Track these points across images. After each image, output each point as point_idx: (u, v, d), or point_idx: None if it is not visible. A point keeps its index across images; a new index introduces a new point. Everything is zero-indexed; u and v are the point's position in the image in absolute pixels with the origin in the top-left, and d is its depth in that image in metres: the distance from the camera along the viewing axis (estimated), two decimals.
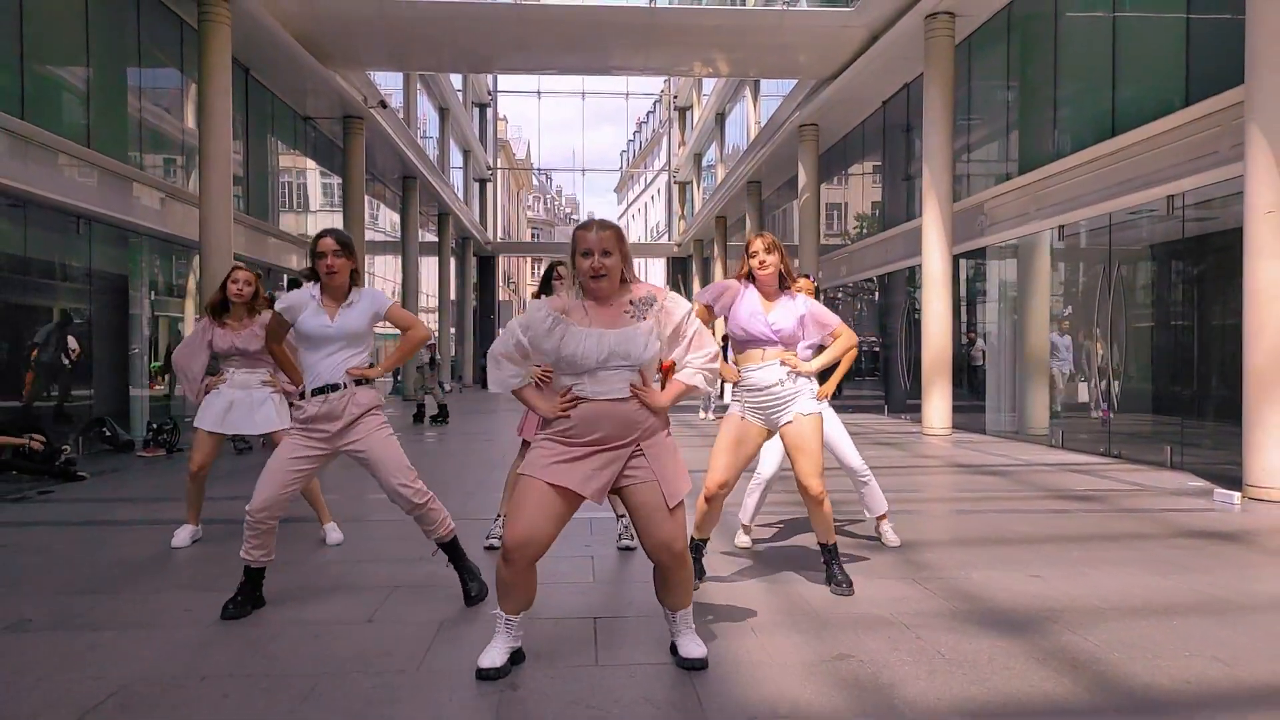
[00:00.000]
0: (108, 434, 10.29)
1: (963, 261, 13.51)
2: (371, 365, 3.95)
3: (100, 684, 2.95)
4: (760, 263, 4.02)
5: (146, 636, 3.46)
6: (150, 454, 9.89)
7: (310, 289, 3.87)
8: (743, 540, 5.06)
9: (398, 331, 4.12)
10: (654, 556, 3.03)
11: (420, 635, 3.46)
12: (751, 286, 4.09)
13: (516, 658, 3.09)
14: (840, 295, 19.83)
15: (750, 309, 4.03)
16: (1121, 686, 2.93)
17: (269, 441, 5.19)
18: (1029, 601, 3.92)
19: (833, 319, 4.16)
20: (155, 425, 10.28)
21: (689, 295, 25.25)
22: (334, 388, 3.78)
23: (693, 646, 3.11)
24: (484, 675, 2.96)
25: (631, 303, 3.04)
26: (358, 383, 3.83)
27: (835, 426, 5.06)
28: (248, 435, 5.96)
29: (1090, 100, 10.57)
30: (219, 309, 5.15)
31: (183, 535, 5.15)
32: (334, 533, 5.22)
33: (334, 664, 3.16)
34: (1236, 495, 6.67)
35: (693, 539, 4.15)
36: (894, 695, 2.85)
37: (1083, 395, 11.03)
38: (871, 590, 4.13)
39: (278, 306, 3.88)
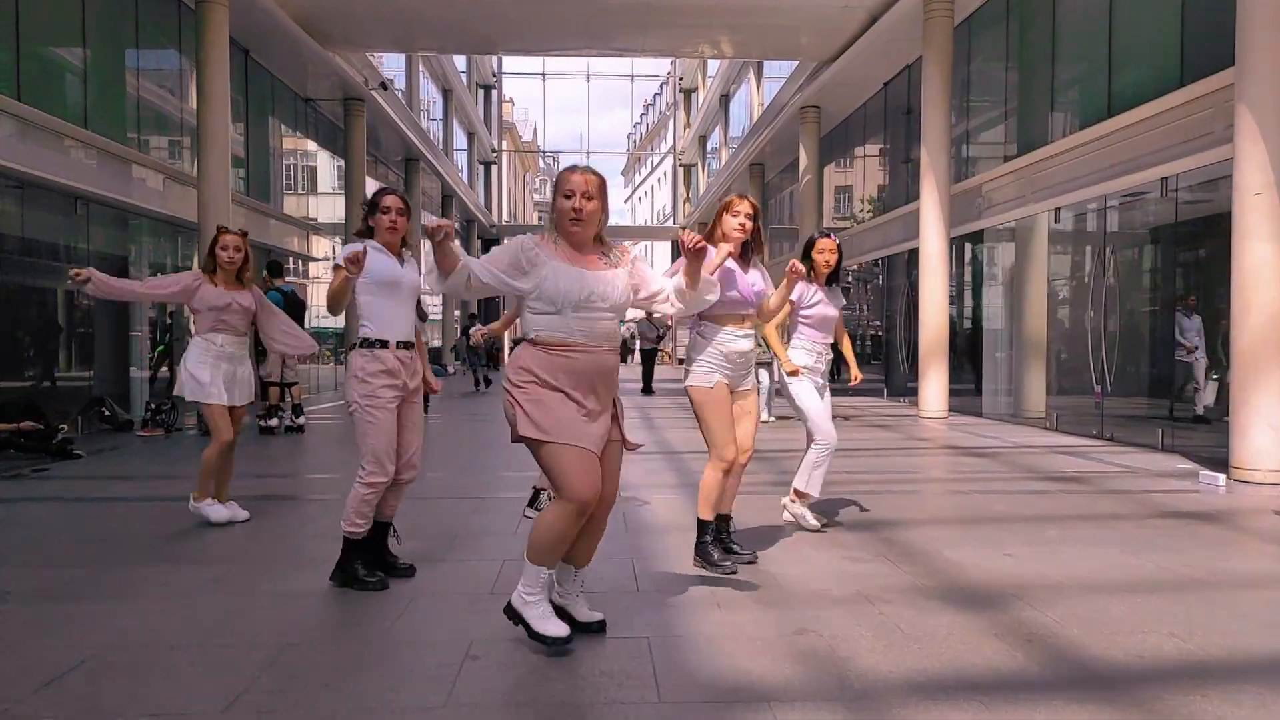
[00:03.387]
0: (107, 413, 10.38)
1: (960, 244, 13.48)
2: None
3: (71, 652, 3.01)
4: (741, 225, 4.04)
5: (122, 608, 3.53)
6: (149, 434, 9.96)
7: (368, 243, 3.80)
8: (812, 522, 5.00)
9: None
10: (598, 510, 3.07)
11: (387, 604, 3.52)
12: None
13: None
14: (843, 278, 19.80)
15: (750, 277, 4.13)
16: (1073, 660, 2.96)
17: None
18: (995, 578, 3.96)
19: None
20: (154, 405, 10.35)
21: None
22: (409, 345, 3.88)
23: (588, 610, 3.21)
24: (557, 642, 2.97)
25: (604, 254, 3.11)
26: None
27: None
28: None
29: (1087, 81, 10.51)
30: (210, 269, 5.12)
31: (223, 513, 5.05)
32: (226, 510, 5.12)
33: (302, 631, 3.22)
34: (1222, 477, 6.68)
35: (706, 522, 4.10)
36: (846, 668, 2.89)
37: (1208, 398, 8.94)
38: (844, 567, 4.18)
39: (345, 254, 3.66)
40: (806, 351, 4.96)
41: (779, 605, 3.57)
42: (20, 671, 2.85)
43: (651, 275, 3.28)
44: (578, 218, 3.00)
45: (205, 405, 5.03)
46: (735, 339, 4.04)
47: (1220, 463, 7.16)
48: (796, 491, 4.98)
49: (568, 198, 3.01)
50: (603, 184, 3.08)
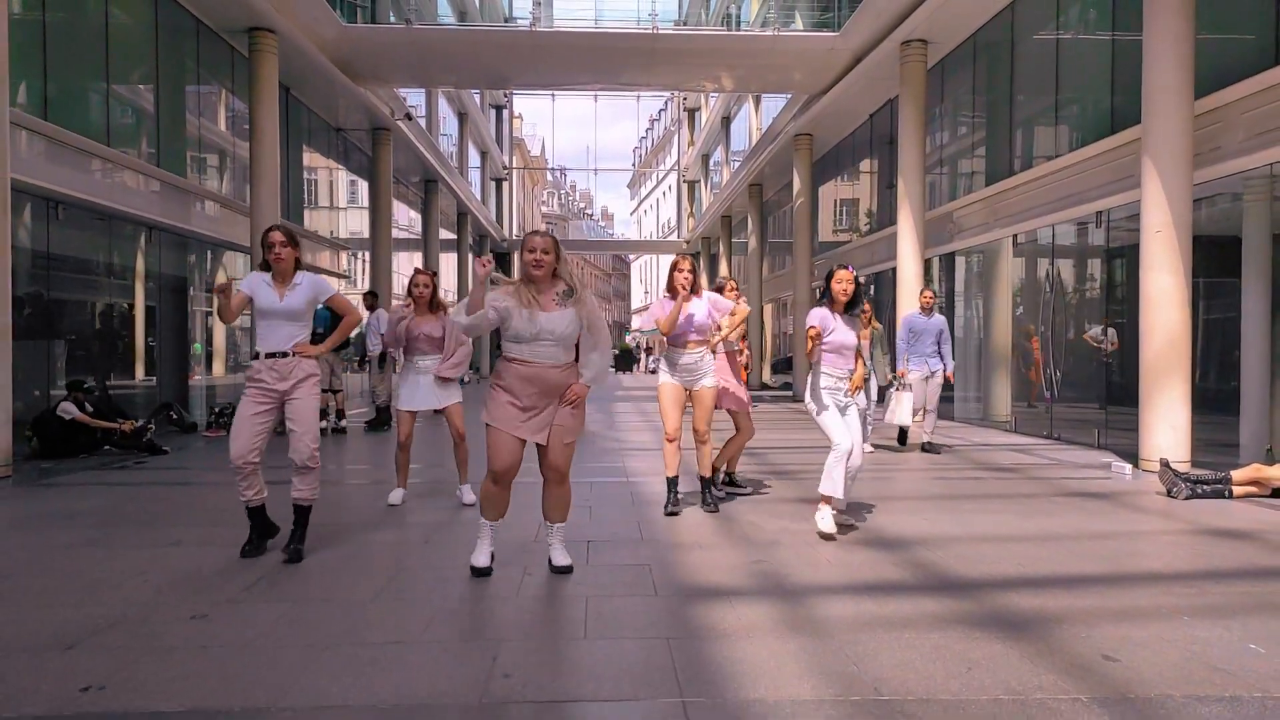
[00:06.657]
0: (174, 417, 11.75)
1: (935, 264, 14.86)
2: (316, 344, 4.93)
3: (251, 572, 4.39)
4: (687, 278, 5.81)
5: (271, 550, 4.91)
6: (213, 435, 11.33)
7: (264, 275, 4.77)
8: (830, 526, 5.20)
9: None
10: (550, 477, 4.32)
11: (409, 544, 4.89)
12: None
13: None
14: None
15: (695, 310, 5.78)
16: (940, 577, 4.32)
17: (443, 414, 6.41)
18: (908, 533, 5.31)
19: (727, 303, 5.97)
20: (217, 409, 11.75)
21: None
22: (283, 355, 4.70)
23: (562, 557, 4.43)
24: (478, 573, 4.31)
25: (557, 293, 4.23)
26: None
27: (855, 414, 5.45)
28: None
29: (1039, 123, 11.91)
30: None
31: (396, 495, 6.36)
32: (468, 494, 6.37)
33: (411, 559, 4.60)
34: (1129, 467, 8.02)
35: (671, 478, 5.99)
36: (784, 580, 4.26)
37: None
38: (796, 526, 5.54)
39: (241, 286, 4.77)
40: (826, 375, 5.34)
41: (744, 548, 4.93)
42: (225, 580, 4.23)
43: (594, 322, 4.28)
44: (538, 265, 4.14)
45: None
46: (681, 355, 5.85)
47: (1131, 455, 8.49)
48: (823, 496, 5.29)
49: (530, 252, 4.16)
50: (555, 242, 4.23)
